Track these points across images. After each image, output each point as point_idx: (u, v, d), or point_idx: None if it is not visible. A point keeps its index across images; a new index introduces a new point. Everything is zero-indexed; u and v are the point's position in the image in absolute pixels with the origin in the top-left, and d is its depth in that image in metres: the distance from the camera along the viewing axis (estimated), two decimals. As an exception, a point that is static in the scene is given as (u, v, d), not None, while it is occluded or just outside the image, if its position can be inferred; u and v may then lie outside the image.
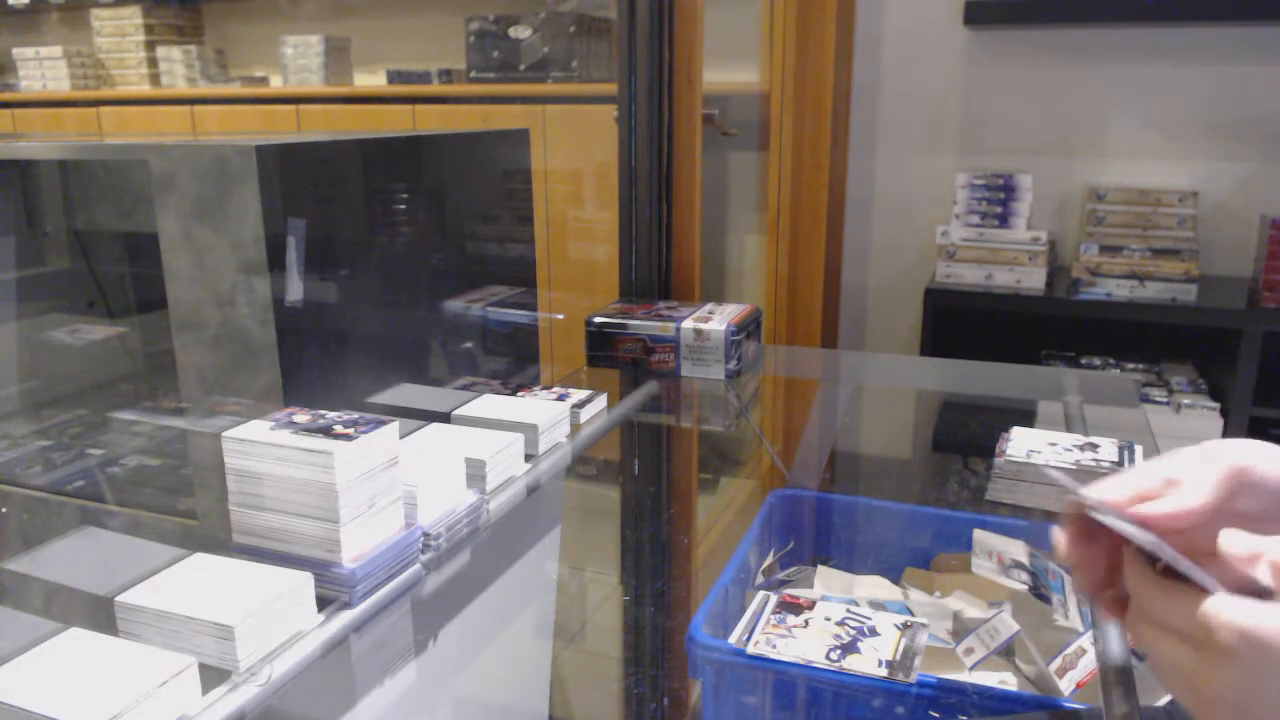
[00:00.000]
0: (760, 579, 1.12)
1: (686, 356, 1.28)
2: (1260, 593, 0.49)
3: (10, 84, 3.84)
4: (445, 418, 1.02)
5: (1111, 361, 2.44)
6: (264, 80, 3.60)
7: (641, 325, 1.30)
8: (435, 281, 1.04)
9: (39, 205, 1.17)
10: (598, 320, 1.34)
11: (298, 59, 3.30)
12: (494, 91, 2.95)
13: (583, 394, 1.11)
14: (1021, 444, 1.01)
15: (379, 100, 3.13)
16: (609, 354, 1.33)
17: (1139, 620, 0.53)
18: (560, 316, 1.97)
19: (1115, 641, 0.74)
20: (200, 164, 0.79)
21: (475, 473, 0.88)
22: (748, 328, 1.33)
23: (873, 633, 0.84)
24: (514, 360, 1.21)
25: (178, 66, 3.56)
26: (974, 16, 2.53)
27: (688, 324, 1.28)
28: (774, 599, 0.89)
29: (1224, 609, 0.48)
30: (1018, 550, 1.01)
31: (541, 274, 1.27)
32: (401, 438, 0.77)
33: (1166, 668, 0.51)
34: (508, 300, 1.18)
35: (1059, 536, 0.58)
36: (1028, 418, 1.10)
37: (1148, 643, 0.52)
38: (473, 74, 3.01)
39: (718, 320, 1.29)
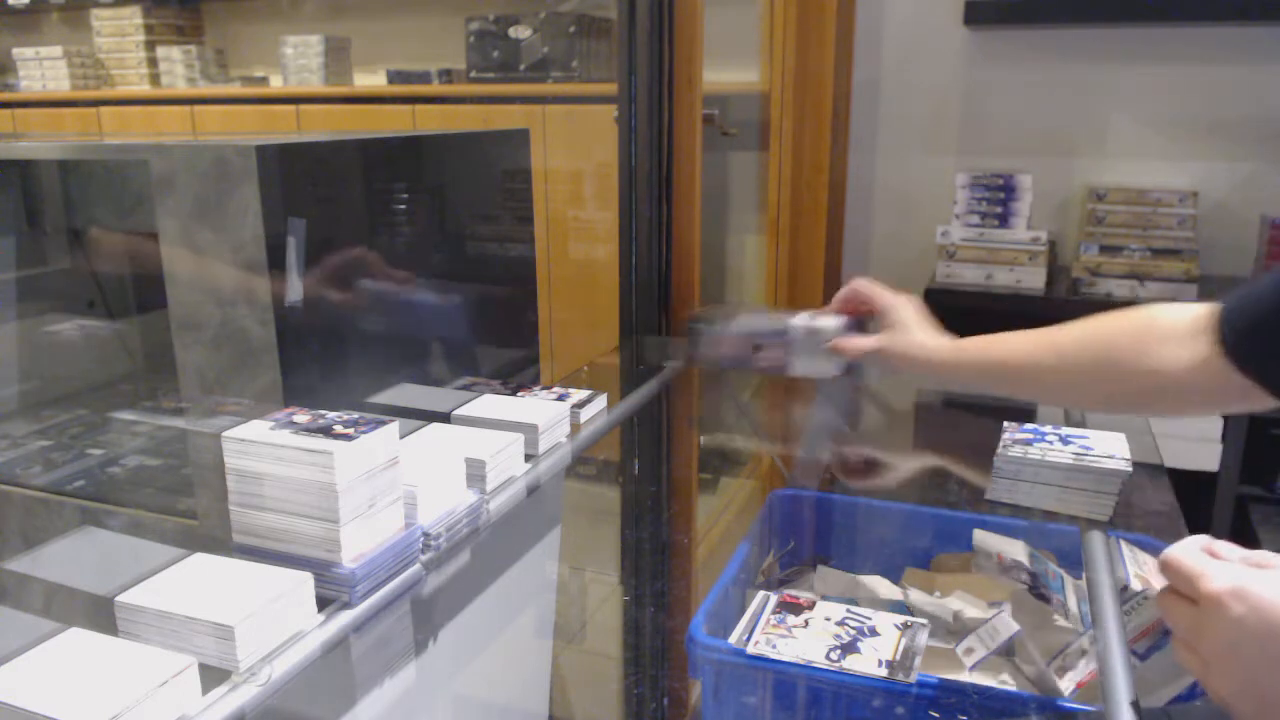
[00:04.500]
0: (760, 579, 1.12)
1: (798, 353, 1.22)
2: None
3: (10, 84, 3.84)
4: (445, 418, 1.02)
5: (1111, 361, 2.43)
6: (264, 80, 3.59)
7: (747, 323, 1.25)
8: (435, 281, 1.04)
9: (39, 205, 1.17)
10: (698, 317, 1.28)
11: (298, 59, 3.30)
12: (494, 91, 2.95)
13: (583, 394, 1.11)
14: (1022, 444, 1.02)
15: (379, 100, 3.13)
16: (712, 354, 1.28)
17: (1164, 594, 0.64)
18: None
19: (1115, 641, 0.74)
20: (200, 164, 0.79)
21: (475, 473, 0.88)
22: (856, 325, 1.27)
23: (873, 633, 0.84)
24: (514, 360, 1.21)
25: (178, 66, 3.56)
26: (974, 16, 2.53)
27: (800, 320, 1.23)
28: (774, 599, 0.89)
29: (1216, 570, 0.59)
30: (1018, 550, 1.01)
31: (541, 274, 1.27)
32: (401, 438, 0.77)
33: (1174, 629, 0.62)
34: (508, 300, 1.18)
35: None
36: (1028, 417, 1.10)
37: (1166, 608, 0.64)
38: (473, 74, 3.01)
39: (828, 317, 1.24)
